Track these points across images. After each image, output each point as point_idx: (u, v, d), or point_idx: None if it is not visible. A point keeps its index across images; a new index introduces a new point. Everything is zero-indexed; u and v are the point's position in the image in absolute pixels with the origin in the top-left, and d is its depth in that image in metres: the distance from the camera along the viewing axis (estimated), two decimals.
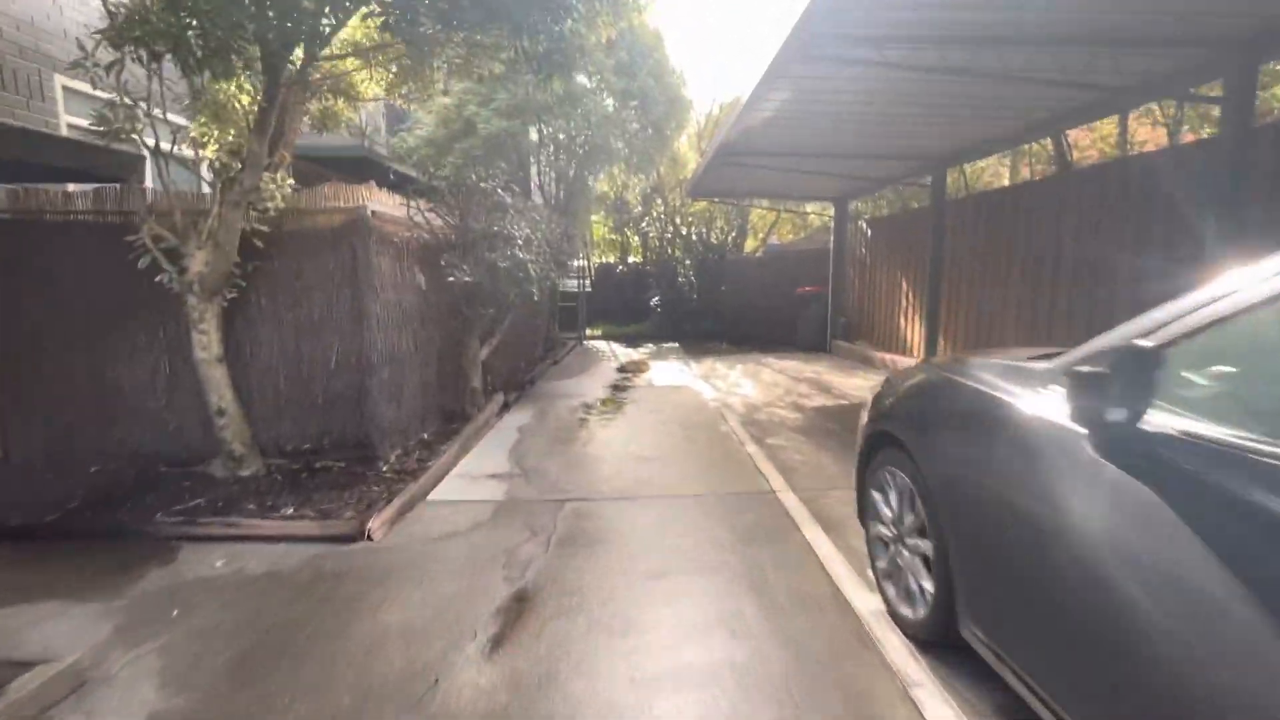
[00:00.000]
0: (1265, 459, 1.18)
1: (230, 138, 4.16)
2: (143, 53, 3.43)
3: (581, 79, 9.17)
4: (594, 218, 18.77)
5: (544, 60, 4.41)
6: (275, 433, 4.94)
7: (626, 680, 2.30)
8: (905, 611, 2.49)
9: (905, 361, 8.55)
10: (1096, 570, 1.44)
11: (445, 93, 8.87)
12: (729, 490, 4.32)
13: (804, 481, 4.47)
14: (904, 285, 9.20)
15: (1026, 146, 10.22)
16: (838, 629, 2.59)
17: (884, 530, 2.69)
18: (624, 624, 2.66)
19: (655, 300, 15.54)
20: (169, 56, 3.39)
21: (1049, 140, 10.07)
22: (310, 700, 2.21)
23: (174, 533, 3.69)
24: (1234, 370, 1.50)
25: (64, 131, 6.17)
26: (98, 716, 2.16)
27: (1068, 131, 7.18)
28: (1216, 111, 5.12)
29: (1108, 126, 9.63)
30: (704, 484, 4.45)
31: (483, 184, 5.23)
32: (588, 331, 15.28)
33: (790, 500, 4.09)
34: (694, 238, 15.70)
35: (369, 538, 3.62)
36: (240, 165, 4.09)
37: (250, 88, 4.58)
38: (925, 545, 2.30)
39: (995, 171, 13.42)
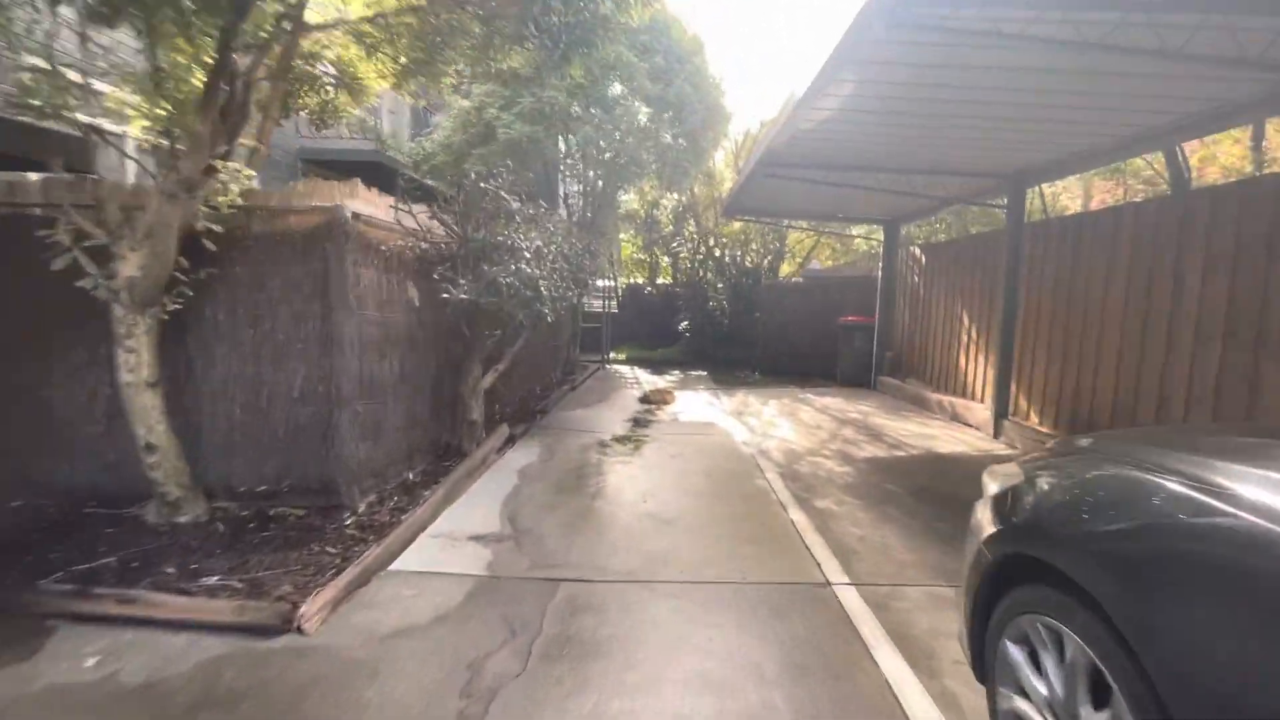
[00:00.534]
0: None
1: (164, 112, 3.44)
2: None
3: (615, 87, 8.47)
4: (622, 236, 18.09)
5: (562, 35, 3.63)
6: (226, 470, 4.16)
7: None
8: None
9: (969, 407, 7.49)
10: None
11: (465, 94, 8.25)
12: (771, 577, 3.36)
13: (866, 568, 3.49)
14: (965, 319, 8.16)
15: (1121, 166, 9.12)
16: None
17: (1028, 710, 1.72)
18: None
19: (684, 324, 14.66)
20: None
21: (1144, 159, 8.98)
22: None
23: (55, 607, 2.89)
24: None
25: None
26: None
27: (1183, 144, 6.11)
28: None
29: (1226, 144, 8.48)
30: (738, 565, 3.50)
31: (483, 184, 4.45)
32: (611, 355, 14.47)
33: (852, 600, 3.12)
34: (727, 260, 14.83)
35: (299, 629, 2.77)
36: (174, 146, 3.37)
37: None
38: None
39: (1072, 193, 12.25)
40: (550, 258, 5.84)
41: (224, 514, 4.00)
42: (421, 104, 10.15)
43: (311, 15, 4.49)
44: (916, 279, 9.79)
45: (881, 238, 10.90)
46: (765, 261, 14.93)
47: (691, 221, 15.64)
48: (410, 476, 4.99)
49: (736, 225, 15.16)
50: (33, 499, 4.10)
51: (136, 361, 3.48)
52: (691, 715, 2.23)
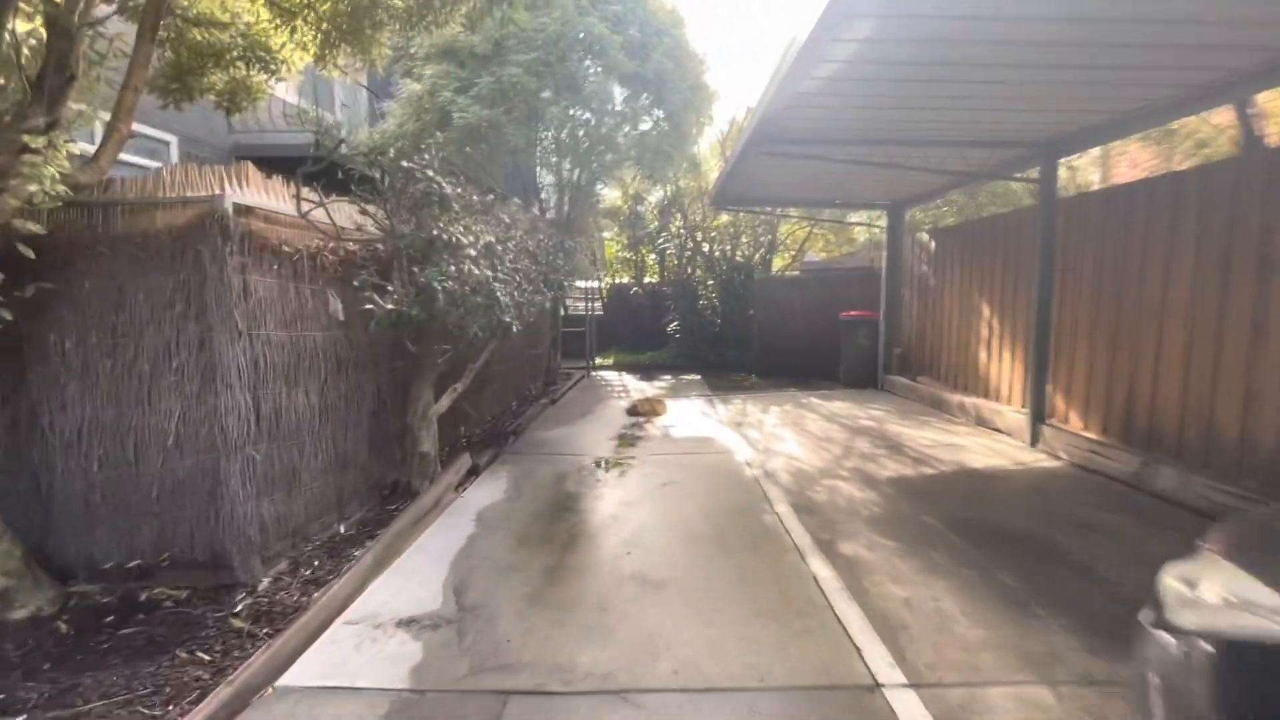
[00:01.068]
0: None
1: None
2: None
3: (586, 65, 7.55)
4: (605, 234, 17.19)
5: None
6: (87, 543, 3.23)
7: None
8: None
9: (996, 410, 6.63)
10: None
11: (415, 77, 7.31)
12: (798, 677, 2.47)
13: (924, 654, 2.61)
14: (986, 310, 7.31)
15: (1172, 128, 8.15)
16: None
17: None
18: None
19: (673, 325, 13.77)
20: None
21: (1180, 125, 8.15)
22: None
23: None
24: None
25: None
26: None
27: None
28: None
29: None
30: (752, 656, 2.61)
31: (405, 163, 3.52)
32: (597, 360, 13.55)
33: (914, 713, 2.24)
34: (717, 255, 13.95)
35: None
36: None
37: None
38: None
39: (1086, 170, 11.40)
40: (510, 256, 4.94)
41: (80, 602, 3.08)
42: (332, 71, 9.20)
43: None
44: (925, 267, 8.94)
45: (884, 224, 10.05)
46: (757, 255, 14.06)
47: (678, 216, 14.75)
48: (341, 530, 4.07)
49: (725, 218, 14.29)
50: None
51: None
52: None
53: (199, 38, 4.57)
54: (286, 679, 2.53)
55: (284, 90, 10.00)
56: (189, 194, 3.16)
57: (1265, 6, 3.17)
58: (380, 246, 4.06)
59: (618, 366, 13.56)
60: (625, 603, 3.10)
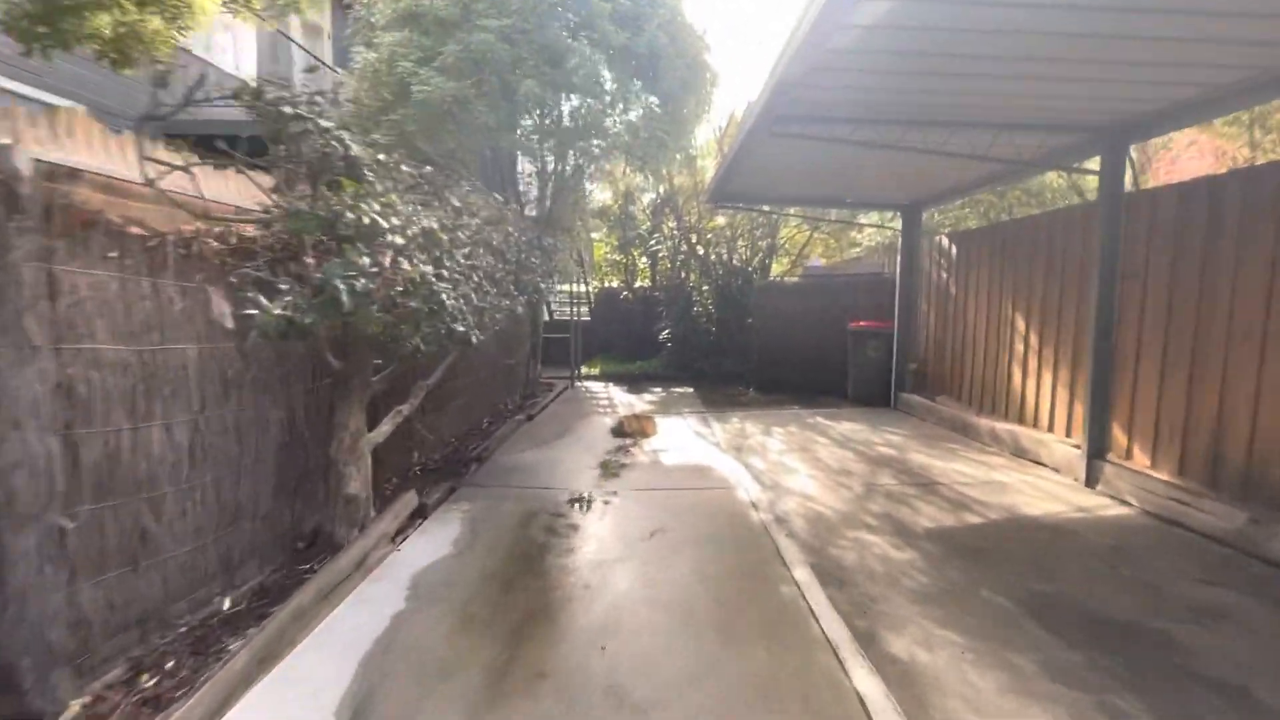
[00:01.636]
0: None
1: None
2: None
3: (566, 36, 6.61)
4: (595, 235, 16.26)
5: None
6: None
7: None
8: None
9: (1040, 440, 5.72)
10: None
11: (371, 45, 6.35)
12: None
13: None
14: (1022, 323, 6.43)
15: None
16: None
17: None
18: None
19: (665, 333, 12.84)
20: None
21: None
22: None
23: None
24: None
25: None
26: None
27: None
28: None
29: None
30: None
31: (288, 109, 2.54)
32: (583, 370, 12.60)
33: None
34: (713, 258, 13.02)
35: None
36: None
37: None
38: None
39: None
40: (464, 250, 3.98)
41: None
42: (327, 62, 8.23)
43: None
44: (945, 274, 8.06)
45: (897, 226, 9.18)
46: (756, 260, 13.15)
47: (671, 217, 13.83)
48: (226, 606, 3.08)
49: (721, 220, 13.39)
50: None
51: None
52: None
53: None
54: None
55: (233, 63, 9.01)
56: None
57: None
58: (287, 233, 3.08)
59: (605, 377, 12.61)
60: None
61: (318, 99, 2.57)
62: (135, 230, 2.58)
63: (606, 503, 4.75)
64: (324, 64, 9.24)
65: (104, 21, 3.93)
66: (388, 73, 6.11)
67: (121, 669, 2.51)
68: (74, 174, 2.36)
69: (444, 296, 3.45)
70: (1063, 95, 4.26)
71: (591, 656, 2.68)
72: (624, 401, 9.73)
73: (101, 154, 2.58)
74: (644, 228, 14.24)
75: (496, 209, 4.98)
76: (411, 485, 5.08)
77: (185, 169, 2.55)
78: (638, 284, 15.39)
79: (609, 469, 5.75)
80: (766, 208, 10.88)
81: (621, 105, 6.97)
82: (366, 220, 2.57)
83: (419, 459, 5.66)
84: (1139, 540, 3.94)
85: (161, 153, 2.61)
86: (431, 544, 3.96)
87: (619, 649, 2.74)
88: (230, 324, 3.06)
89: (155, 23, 4.06)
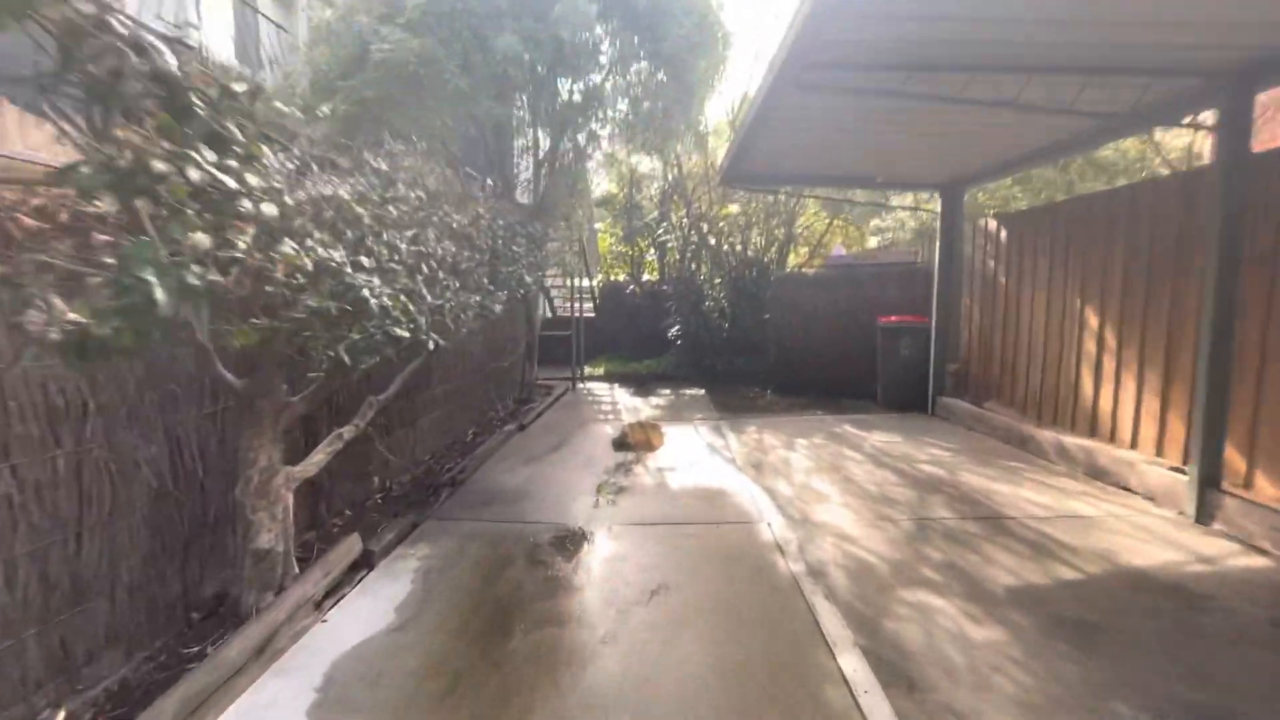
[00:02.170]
0: None
1: None
2: None
3: None
4: (599, 225, 15.35)
5: None
6: None
7: None
8: None
9: (1128, 463, 4.72)
10: None
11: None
12: None
13: None
14: (1094, 318, 5.44)
15: None
16: None
17: None
18: None
19: (675, 330, 11.90)
20: None
21: None
22: None
23: None
24: None
25: None
26: None
27: None
28: None
29: None
30: None
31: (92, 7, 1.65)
32: (586, 370, 11.71)
33: None
34: (725, 249, 12.04)
35: None
36: None
37: None
38: None
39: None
40: (408, 235, 3.08)
41: None
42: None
43: None
44: (992, 262, 7.06)
45: (932, 209, 8.16)
46: (772, 250, 12.16)
47: (680, 205, 12.86)
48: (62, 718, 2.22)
49: (734, 208, 12.42)
50: None
51: None
52: None
53: None
54: None
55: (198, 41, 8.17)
56: None
57: None
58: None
59: (610, 377, 11.71)
60: None
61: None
62: None
63: (599, 545, 3.85)
64: (283, 28, 8.36)
65: None
66: (345, 30, 5.22)
67: None
68: None
69: (366, 292, 2.56)
70: (1186, 20, 3.26)
71: None
72: (629, 406, 8.83)
73: None
74: (651, 217, 13.29)
75: (460, 189, 4.07)
76: (367, 520, 4.22)
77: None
78: (645, 277, 14.44)
79: (607, 492, 4.86)
80: (786, 189, 9.90)
81: (618, 68, 6.02)
82: (195, 176, 1.67)
83: (379, 485, 4.79)
84: None
85: None
86: (369, 610, 3.08)
87: None
88: (57, 335, 2.19)
89: None
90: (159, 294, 1.59)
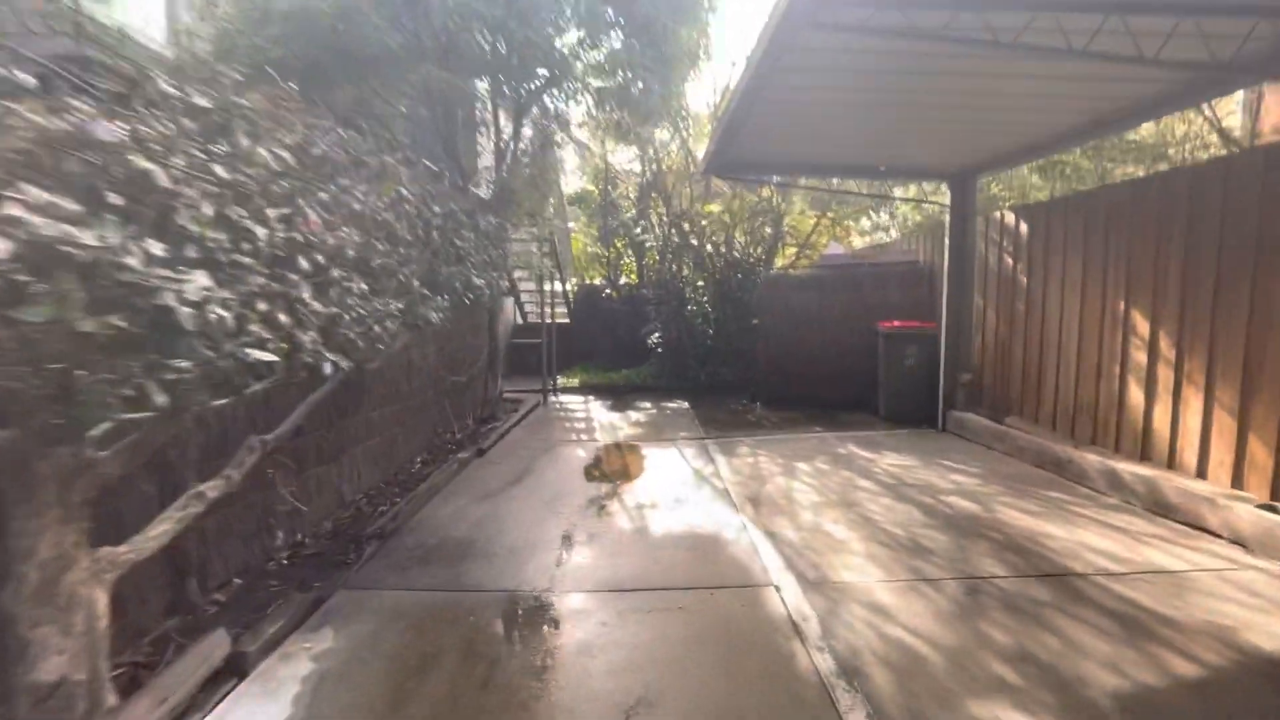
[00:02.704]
0: None
1: None
2: None
3: None
4: (573, 225, 14.44)
5: None
6: None
7: None
8: None
9: (1208, 499, 3.91)
10: None
11: None
12: None
13: None
14: (1142, 323, 4.68)
15: None
16: None
17: None
18: None
19: (655, 337, 11.03)
20: None
21: None
22: None
23: None
24: None
25: None
26: None
27: None
28: None
29: None
30: None
31: None
32: (559, 381, 10.75)
33: None
34: (709, 250, 11.20)
35: None
36: None
37: None
38: None
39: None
40: (262, 206, 2.13)
41: None
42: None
43: None
44: (1011, 260, 6.30)
45: (940, 202, 7.40)
46: (759, 249, 11.35)
47: (660, 202, 12.00)
48: None
49: (716, 206, 11.60)
50: None
51: None
52: None
53: None
54: None
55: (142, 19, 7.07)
56: None
57: None
58: None
59: (585, 389, 10.80)
60: None
61: None
62: None
63: (561, 628, 2.93)
64: None
65: None
66: None
67: None
68: None
69: (169, 300, 1.62)
70: None
71: None
72: (605, 423, 7.92)
73: None
74: (628, 215, 12.40)
75: (377, 162, 3.13)
76: (261, 592, 3.25)
77: None
78: (623, 281, 13.55)
79: (573, 546, 3.94)
80: (776, 180, 9.09)
81: (588, 42, 5.12)
82: None
83: (288, 540, 3.81)
84: None
85: None
86: None
87: None
88: None
89: None
90: None
